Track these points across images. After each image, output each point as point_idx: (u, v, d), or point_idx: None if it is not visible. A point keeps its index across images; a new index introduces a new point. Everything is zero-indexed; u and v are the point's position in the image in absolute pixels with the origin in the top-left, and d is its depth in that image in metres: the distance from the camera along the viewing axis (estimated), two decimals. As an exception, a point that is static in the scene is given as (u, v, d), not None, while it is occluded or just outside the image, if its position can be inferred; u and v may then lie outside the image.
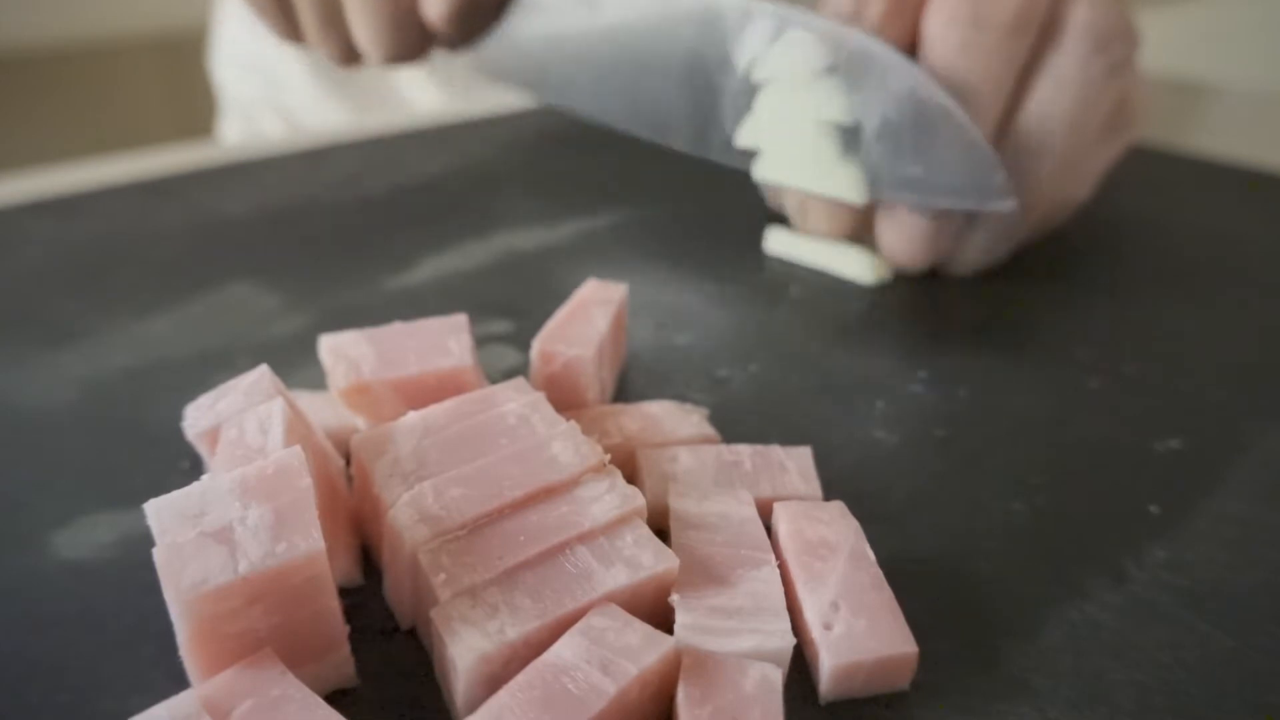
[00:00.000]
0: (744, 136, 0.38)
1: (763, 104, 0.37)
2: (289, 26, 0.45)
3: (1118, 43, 0.35)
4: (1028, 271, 0.40)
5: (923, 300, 0.37)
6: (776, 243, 0.39)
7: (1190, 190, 0.50)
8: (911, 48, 0.36)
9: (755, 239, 0.41)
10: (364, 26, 0.42)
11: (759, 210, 0.43)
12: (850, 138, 0.35)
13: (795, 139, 0.36)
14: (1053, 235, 0.41)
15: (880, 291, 0.38)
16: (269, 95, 0.73)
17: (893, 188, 0.35)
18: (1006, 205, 0.34)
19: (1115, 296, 0.38)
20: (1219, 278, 0.40)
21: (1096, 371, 0.33)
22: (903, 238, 0.36)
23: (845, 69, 0.35)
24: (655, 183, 0.48)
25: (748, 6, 0.37)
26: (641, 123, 0.42)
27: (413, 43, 0.43)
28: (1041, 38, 0.35)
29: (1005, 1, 0.33)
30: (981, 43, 0.33)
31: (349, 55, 0.45)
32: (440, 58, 0.46)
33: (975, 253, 0.38)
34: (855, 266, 0.38)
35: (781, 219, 0.41)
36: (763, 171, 0.38)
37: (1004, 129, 0.36)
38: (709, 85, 0.39)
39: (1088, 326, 0.36)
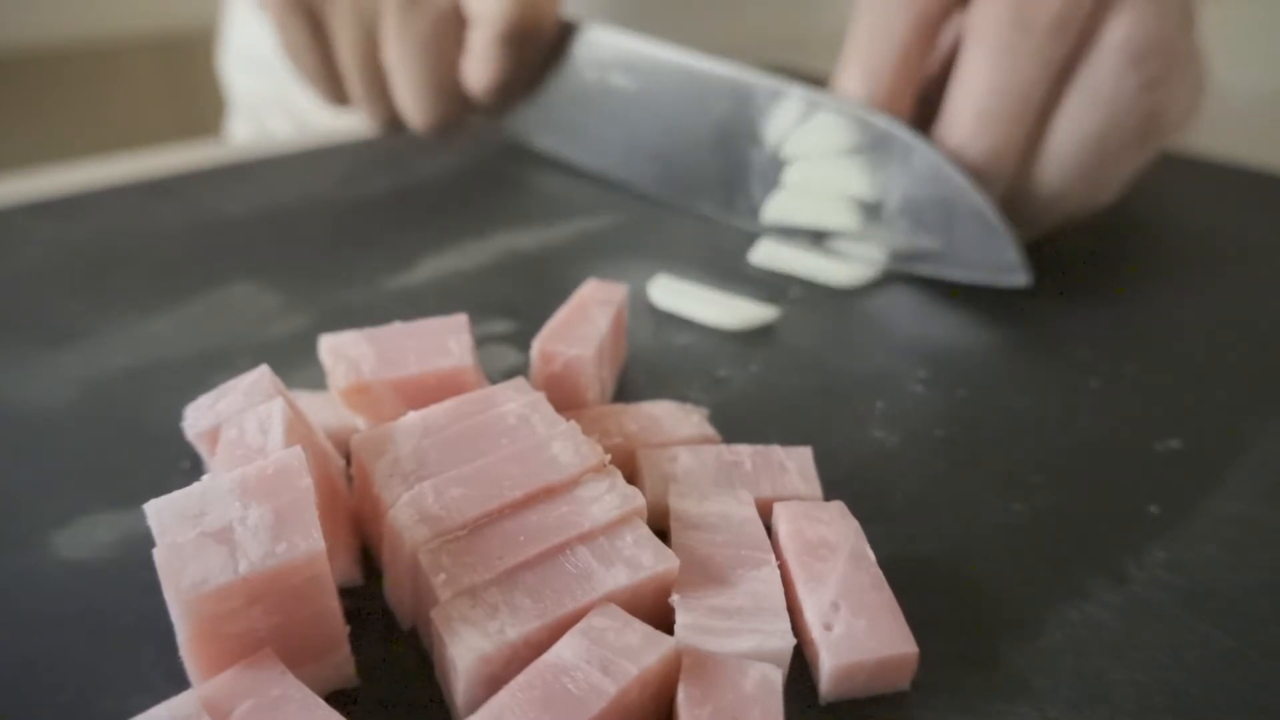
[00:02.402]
0: (772, 210, 0.40)
1: (790, 178, 0.39)
2: (335, 92, 0.48)
3: (1154, 59, 0.35)
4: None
5: (923, 300, 0.37)
6: (763, 255, 0.39)
7: (1190, 190, 0.50)
8: (923, 121, 0.38)
9: (755, 239, 0.41)
10: (408, 96, 0.45)
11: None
12: (872, 213, 0.38)
13: (818, 213, 0.39)
14: (1054, 235, 0.41)
15: (880, 292, 0.38)
16: (278, 95, 0.73)
17: (911, 260, 0.38)
18: (1020, 280, 0.35)
19: (1115, 296, 0.38)
20: (1219, 278, 0.40)
21: (1096, 371, 0.33)
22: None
23: (870, 149, 0.37)
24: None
25: (778, 86, 0.39)
26: (671, 188, 0.45)
27: (453, 111, 0.46)
28: (1079, 45, 0.35)
29: (1047, 4, 0.34)
30: (1021, 44, 0.34)
31: (392, 121, 0.48)
32: (477, 122, 0.49)
33: None
34: (837, 272, 0.38)
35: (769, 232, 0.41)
36: (786, 236, 0.40)
37: (1035, 134, 0.36)
38: (738, 157, 0.41)
39: (1088, 326, 0.36)
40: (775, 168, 0.40)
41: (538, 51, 0.45)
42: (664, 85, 0.42)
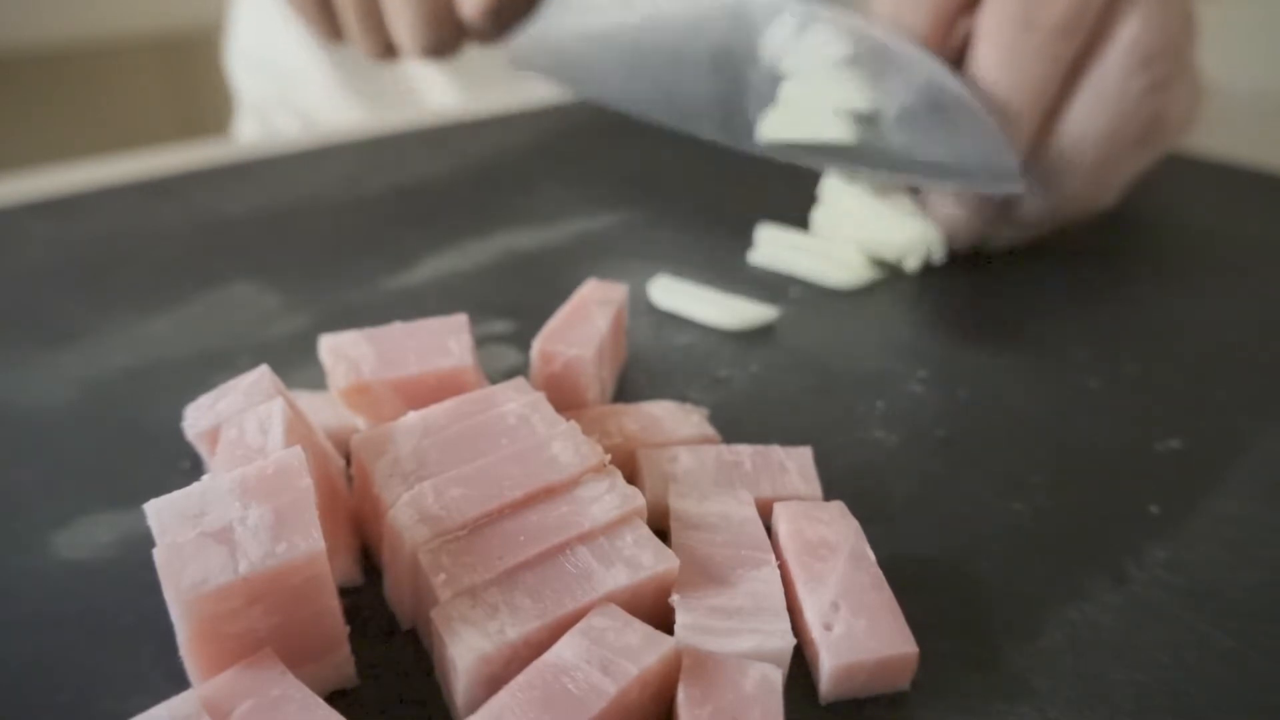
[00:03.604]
0: (768, 128, 0.40)
1: (787, 94, 0.39)
2: (329, 24, 0.47)
3: (1161, 61, 0.36)
4: (1028, 272, 0.40)
5: (923, 300, 0.37)
6: (761, 255, 0.39)
7: (1190, 190, 0.50)
8: (956, 63, 0.37)
9: (754, 239, 0.41)
10: (402, 22, 0.44)
11: (758, 211, 0.43)
12: (870, 125, 0.37)
13: (818, 126, 0.38)
14: (1054, 235, 0.41)
15: (880, 291, 0.38)
16: (284, 94, 0.73)
17: (911, 172, 0.37)
18: (1018, 188, 0.35)
19: (1115, 296, 0.38)
20: (1219, 277, 0.40)
21: (1096, 371, 0.33)
22: (950, 221, 0.39)
23: (866, 60, 0.36)
24: (655, 183, 0.48)
25: (775, 2, 0.39)
26: (670, 112, 0.44)
27: (448, 37, 0.45)
28: (1088, 46, 0.36)
29: (1056, 5, 0.34)
30: (1030, 44, 0.34)
31: (386, 50, 0.47)
32: (473, 51, 0.48)
33: (1003, 242, 0.40)
34: (837, 273, 0.38)
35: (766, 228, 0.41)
36: (784, 154, 0.40)
37: (1042, 133, 0.37)
38: (736, 76, 0.41)
39: (1088, 326, 0.36)
40: (772, 85, 0.39)
41: None
42: (660, 7, 0.42)
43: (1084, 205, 0.39)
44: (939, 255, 0.38)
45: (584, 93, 0.47)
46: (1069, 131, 0.36)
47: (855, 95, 0.37)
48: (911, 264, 0.39)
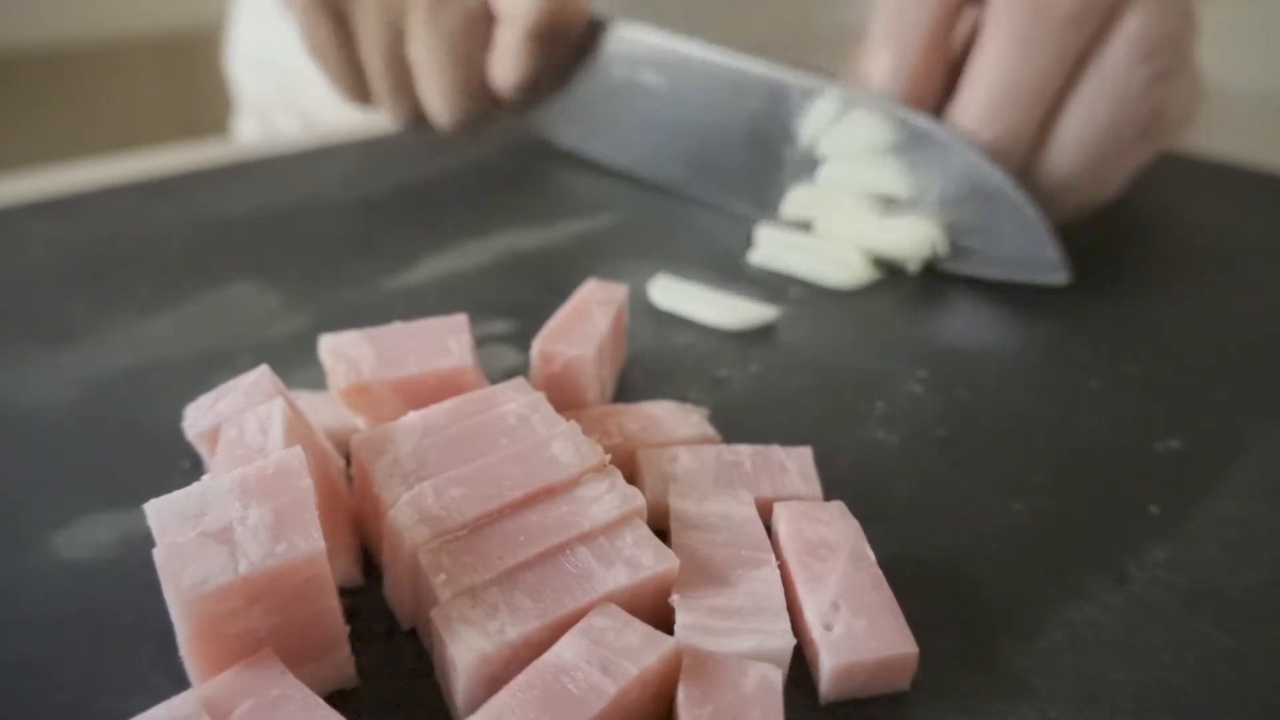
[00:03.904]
0: (795, 206, 0.40)
1: (825, 177, 0.39)
2: (360, 90, 0.47)
3: (1165, 53, 0.36)
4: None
5: (923, 300, 0.37)
6: (761, 255, 0.39)
7: (1190, 190, 0.50)
8: (959, 55, 0.38)
9: (754, 239, 0.41)
10: (434, 93, 0.44)
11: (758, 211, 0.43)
12: (909, 212, 0.38)
13: (853, 210, 0.39)
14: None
15: (880, 291, 0.38)
16: (284, 93, 0.73)
17: (953, 259, 0.38)
18: (1061, 279, 0.36)
19: (1115, 296, 0.38)
20: (1219, 278, 0.40)
21: (1096, 371, 0.33)
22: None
23: (907, 147, 0.37)
24: (655, 183, 0.48)
25: (812, 84, 0.39)
26: (702, 186, 0.45)
27: (480, 108, 0.46)
28: (1093, 37, 0.36)
29: None
30: (1039, 32, 0.35)
31: (418, 117, 0.47)
32: (503, 119, 0.49)
33: None
34: (837, 273, 0.38)
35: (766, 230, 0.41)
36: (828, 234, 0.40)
37: (1044, 125, 0.37)
38: (771, 154, 0.41)
39: (1088, 326, 0.36)
40: (809, 165, 0.40)
41: (566, 48, 0.45)
42: (695, 82, 0.42)
43: (1084, 197, 0.39)
44: (943, 250, 0.38)
45: (615, 164, 0.47)
46: (1071, 122, 0.37)
47: (895, 182, 0.37)
48: (912, 266, 0.39)
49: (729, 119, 0.42)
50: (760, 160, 0.42)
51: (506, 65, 0.43)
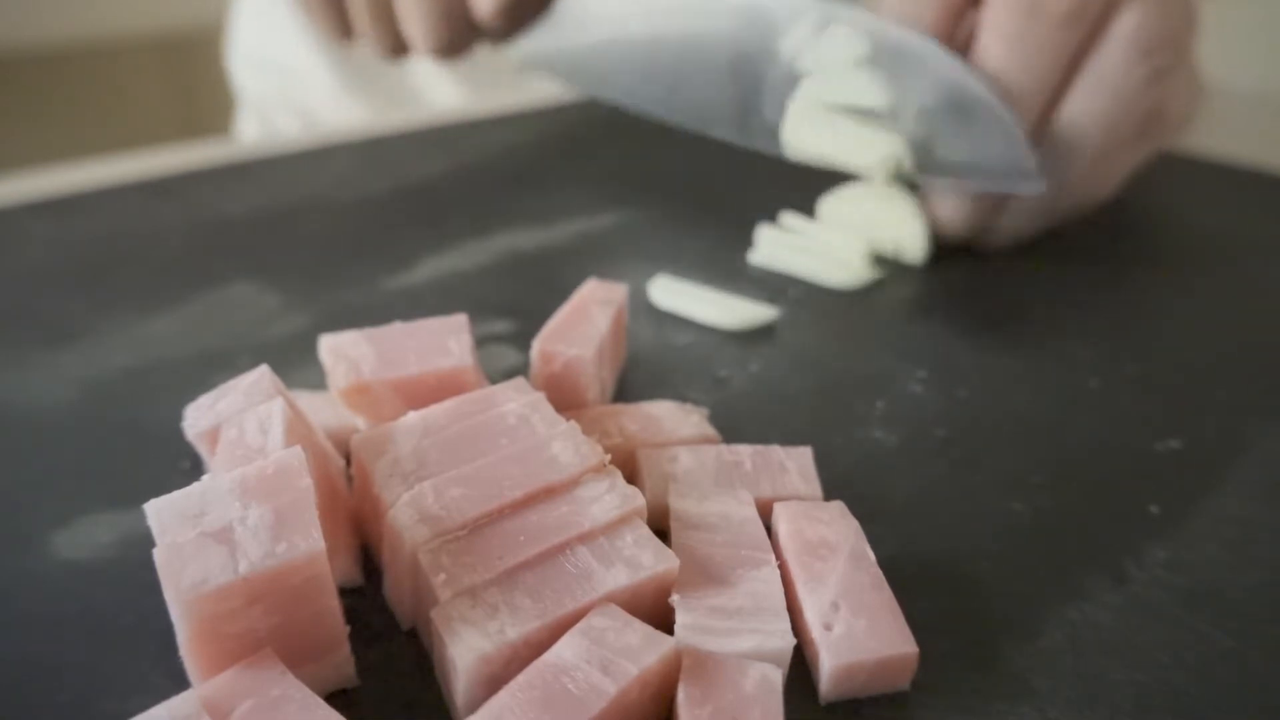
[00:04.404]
0: (789, 129, 0.40)
1: (805, 93, 0.39)
2: (339, 22, 0.47)
3: (1163, 51, 0.36)
4: (1028, 272, 0.40)
5: (922, 300, 0.37)
6: (761, 255, 0.39)
7: (1190, 190, 0.50)
8: (964, 54, 0.38)
9: (754, 239, 0.41)
10: (414, 19, 0.44)
11: (758, 211, 0.43)
12: (889, 124, 0.37)
13: (836, 125, 0.38)
14: (1054, 234, 0.41)
15: (880, 291, 0.38)
16: (286, 93, 0.73)
17: (930, 170, 0.37)
18: (1037, 187, 0.35)
19: (1115, 296, 0.38)
20: (1219, 278, 0.40)
21: (1096, 371, 0.33)
22: (947, 212, 0.39)
23: (884, 60, 0.37)
24: (655, 183, 0.48)
25: (793, 3, 0.39)
26: (683, 112, 0.44)
27: (460, 36, 0.45)
28: (1089, 36, 0.36)
29: None
30: (1034, 32, 0.35)
31: (397, 47, 0.47)
32: (476, 50, 0.48)
33: (1002, 237, 0.40)
34: (837, 273, 0.38)
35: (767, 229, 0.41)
36: (803, 153, 0.40)
37: (1043, 122, 0.37)
38: (752, 75, 0.41)
39: (1088, 326, 0.36)
40: (790, 85, 0.40)
41: None
42: (674, 8, 0.42)
43: (1083, 196, 0.39)
44: (908, 164, 0.38)
45: (595, 92, 0.47)
46: (1069, 120, 0.37)
47: (873, 94, 0.37)
48: (911, 256, 0.39)
49: (709, 43, 0.41)
50: (742, 85, 0.41)
51: None
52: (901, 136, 0.37)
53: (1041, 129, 0.37)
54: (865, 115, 0.38)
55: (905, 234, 0.39)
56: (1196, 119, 0.41)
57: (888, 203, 0.39)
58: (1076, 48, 0.36)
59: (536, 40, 0.47)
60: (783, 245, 0.39)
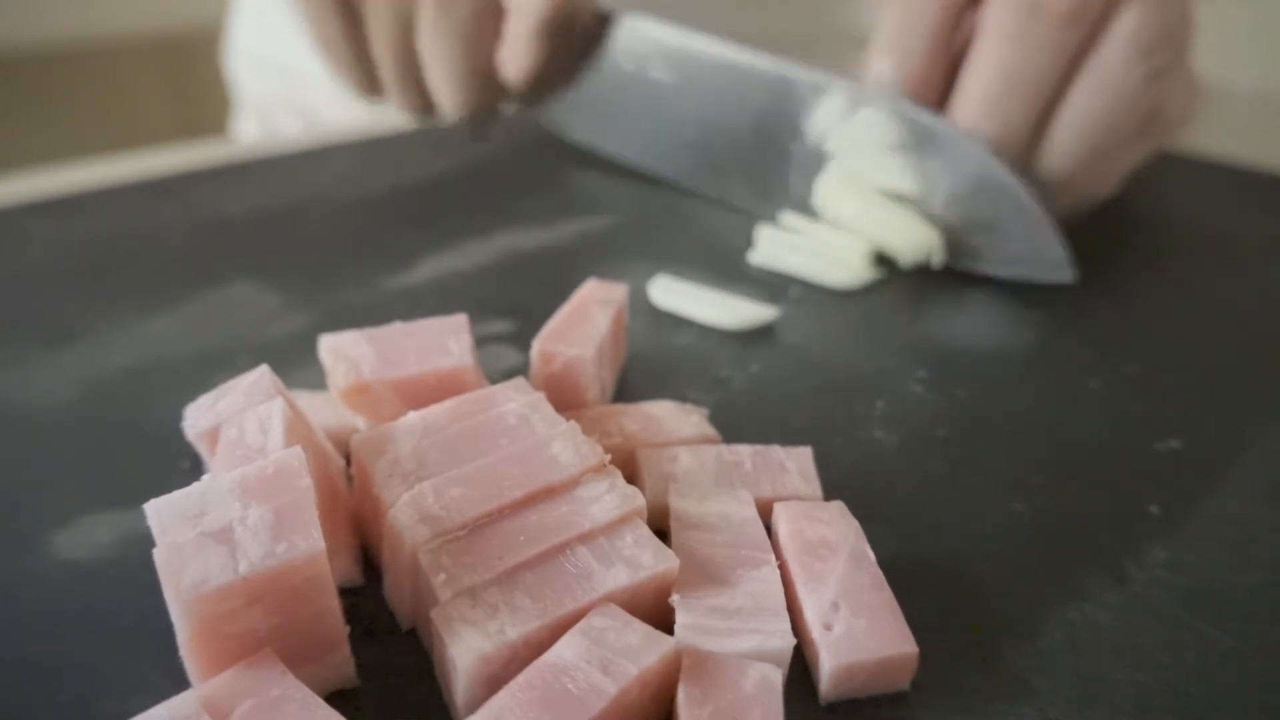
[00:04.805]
0: (822, 195, 0.40)
1: (833, 174, 0.40)
2: (368, 82, 0.48)
3: (1162, 50, 0.36)
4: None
5: (923, 300, 0.37)
6: (761, 255, 0.39)
7: (1190, 190, 0.50)
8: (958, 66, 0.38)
9: (754, 239, 0.41)
10: (443, 84, 0.45)
11: (758, 211, 0.43)
12: (917, 209, 0.38)
13: (873, 205, 0.39)
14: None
15: (880, 291, 0.38)
16: (285, 92, 0.73)
17: (957, 256, 0.38)
18: (1068, 277, 0.36)
19: (1115, 296, 0.38)
20: (1219, 278, 0.40)
21: (1096, 371, 0.33)
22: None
23: (915, 145, 0.37)
24: (655, 183, 0.48)
25: (820, 80, 0.39)
26: (707, 181, 0.45)
27: (488, 98, 0.46)
28: (1089, 36, 0.36)
29: None
30: (1035, 32, 0.35)
31: (424, 107, 0.47)
32: (512, 110, 0.49)
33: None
34: (837, 273, 0.38)
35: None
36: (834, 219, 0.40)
37: (1042, 121, 0.37)
38: (778, 150, 0.41)
39: (1088, 326, 0.36)
40: (816, 161, 0.40)
41: (575, 41, 0.45)
42: (703, 77, 0.42)
43: (1082, 194, 0.39)
44: (938, 260, 0.38)
45: (621, 157, 0.47)
46: (1068, 119, 0.37)
47: (902, 178, 0.38)
48: (906, 260, 0.39)
49: (736, 114, 0.42)
50: (767, 156, 0.42)
51: (515, 57, 0.43)
52: (936, 227, 0.38)
53: (1042, 128, 0.37)
54: (902, 199, 0.38)
55: (905, 245, 0.39)
56: (1194, 118, 0.41)
57: (886, 216, 0.39)
58: (1076, 47, 0.36)
59: (562, 106, 0.47)
60: (783, 245, 0.39)
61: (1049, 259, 0.36)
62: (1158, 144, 0.41)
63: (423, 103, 0.47)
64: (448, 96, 0.45)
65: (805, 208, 0.41)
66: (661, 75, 0.43)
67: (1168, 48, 0.36)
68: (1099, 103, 0.36)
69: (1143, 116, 0.37)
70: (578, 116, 0.48)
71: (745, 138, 0.42)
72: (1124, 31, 0.36)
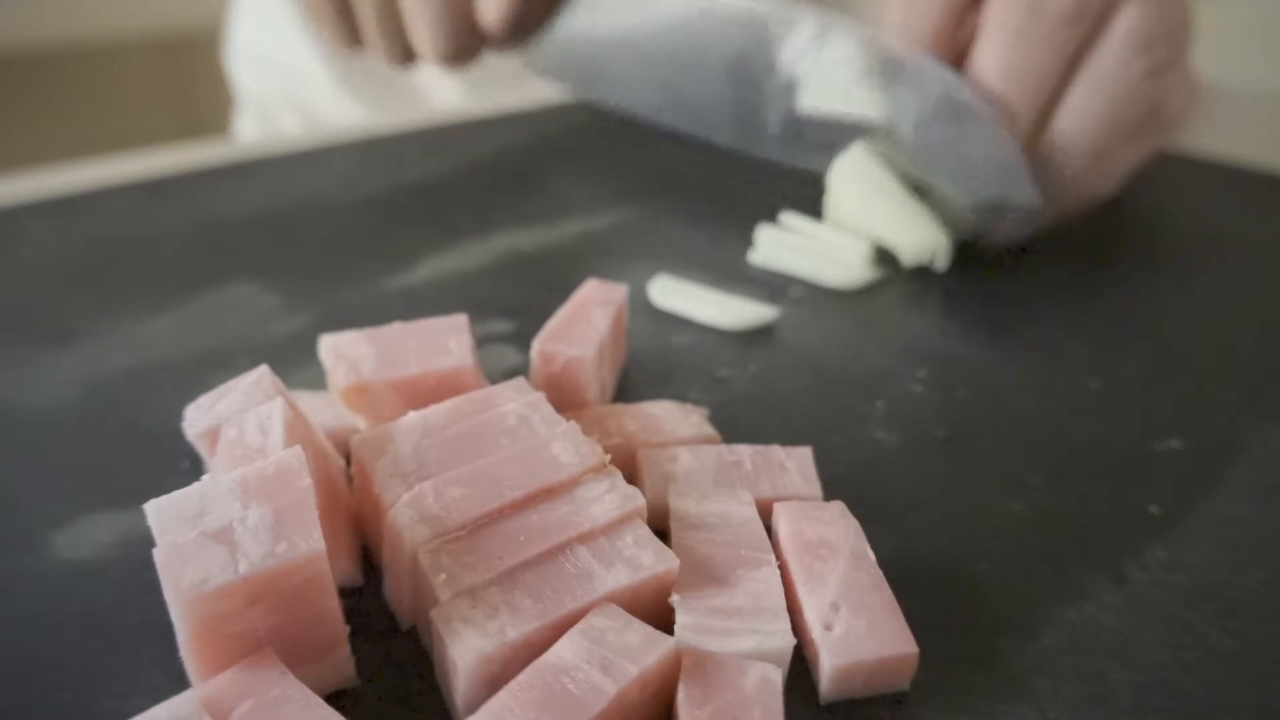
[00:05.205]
0: (832, 200, 0.40)
1: (803, 106, 0.40)
2: (347, 31, 0.48)
3: (1161, 47, 0.36)
4: (1028, 272, 0.40)
5: (923, 300, 0.37)
6: (761, 255, 0.39)
7: (1190, 190, 0.50)
8: (960, 65, 0.38)
9: (754, 239, 0.41)
10: (421, 28, 0.45)
11: (758, 211, 0.43)
12: (886, 135, 0.38)
13: (883, 202, 0.39)
14: (1054, 234, 0.41)
15: (880, 291, 0.38)
16: (286, 92, 0.73)
17: (928, 177, 0.38)
18: (1031, 199, 0.36)
19: (1115, 297, 0.38)
20: (1220, 278, 0.40)
21: (1096, 371, 0.33)
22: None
23: (882, 72, 0.37)
24: (655, 183, 0.48)
25: (791, 14, 0.39)
26: (685, 118, 0.45)
27: (468, 44, 0.46)
28: (1090, 33, 0.36)
29: None
30: (1036, 31, 0.35)
31: (405, 56, 0.47)
32: (490, 57, 0.48)
33: (1002, 235, 0.40)
34: (837, 273, 0.38)
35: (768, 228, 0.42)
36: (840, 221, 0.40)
37: (1043, 119, 0.37)
38: (752, 84, 0.41)
39: (1088, 326, 0.36)
40: (788, 93, 0.40)
41: None
42: (678, 17, 0.43)
43: (1083, 193, 0.39)
44: (943, 262, 0.38)
45: (600, 97, 0.47)
46: (1069, 117, 0.37)
47: (871, 107, 0.38)
48: (908, 261, 0.39)
49: (710, 51, 0.42)
50: (741, 90, 0.42)
51: (493, 2, 0.44)
52: (944, 233, 0.38)
53: (1042, 127, 0.37)
54: (915, 199, 0.39)
55: (909, 245, 0.39)
56: (1192, 117, 0.41)
57: (891, 214, 0.39)
58: (1077, 45, 0.36)
59: (541, 47, 0.47)
60: (783, 245, 0.39)
61: (1013, 179, 0.36)
62: (1157, 143, 0.41)
63: (402, 51, 0.47)
64: (428, 44, 0.45)
65: (782, 147, 0.41)
66: (636, 16, 0.44)
67: (1167, 45, 0.36)
68: (1099, 100, 0.36)
69: (1143, 113, 0.37)
70: (556, 59, 0.48)
71: (719, 75, 0.42)
72: (1124, 29, 0.36)
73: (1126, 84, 0.36)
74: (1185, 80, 0.40)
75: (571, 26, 0.46)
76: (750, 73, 0.41)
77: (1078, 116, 0.37)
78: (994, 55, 0.36)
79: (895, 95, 0.37)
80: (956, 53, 0.39)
